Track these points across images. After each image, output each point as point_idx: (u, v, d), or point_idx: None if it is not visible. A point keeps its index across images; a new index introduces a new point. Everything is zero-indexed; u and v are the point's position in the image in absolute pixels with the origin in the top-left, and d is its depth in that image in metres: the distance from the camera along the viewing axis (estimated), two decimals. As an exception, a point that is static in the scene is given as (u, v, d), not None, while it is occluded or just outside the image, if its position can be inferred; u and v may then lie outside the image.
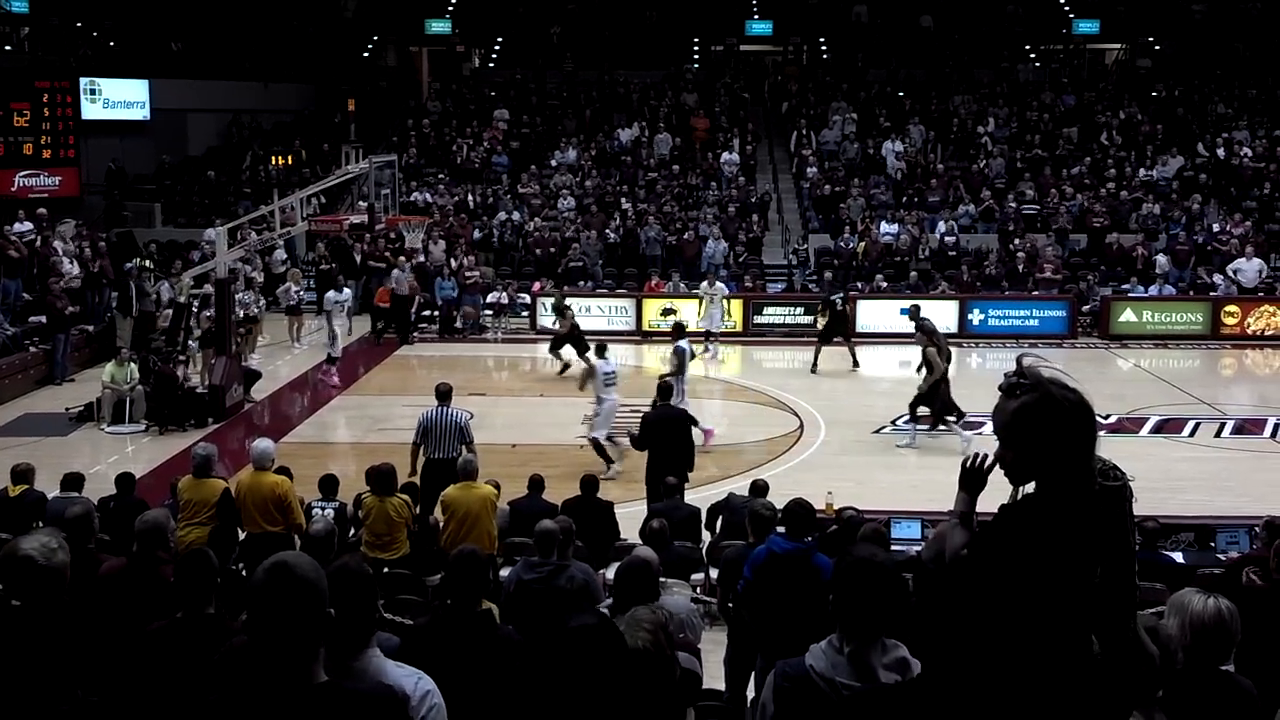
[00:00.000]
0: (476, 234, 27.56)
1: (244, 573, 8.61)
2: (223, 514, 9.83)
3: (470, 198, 28.86)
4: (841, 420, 17.62)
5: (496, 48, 36.34)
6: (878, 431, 16.96)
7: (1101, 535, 2.99)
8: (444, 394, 12.68)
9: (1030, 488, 3.05)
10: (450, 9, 35.44)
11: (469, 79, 35.44)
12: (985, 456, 3.32)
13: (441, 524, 10.20)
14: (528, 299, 25.11)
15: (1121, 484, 3.33)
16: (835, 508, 10.99)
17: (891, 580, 3.76)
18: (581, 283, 25.93)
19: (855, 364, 21.37)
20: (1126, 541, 3.13)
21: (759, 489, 11.62)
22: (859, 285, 25.26)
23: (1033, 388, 3.01)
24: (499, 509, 10.42)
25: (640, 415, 13.38)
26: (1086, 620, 2.96)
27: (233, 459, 14.26)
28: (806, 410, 18.03)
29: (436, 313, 24.60)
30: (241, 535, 9.99)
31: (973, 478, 3.40)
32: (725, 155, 29.89)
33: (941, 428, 15.86)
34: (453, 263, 25.38)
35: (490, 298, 25.04)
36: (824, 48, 35.33)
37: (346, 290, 21.57)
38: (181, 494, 10.14)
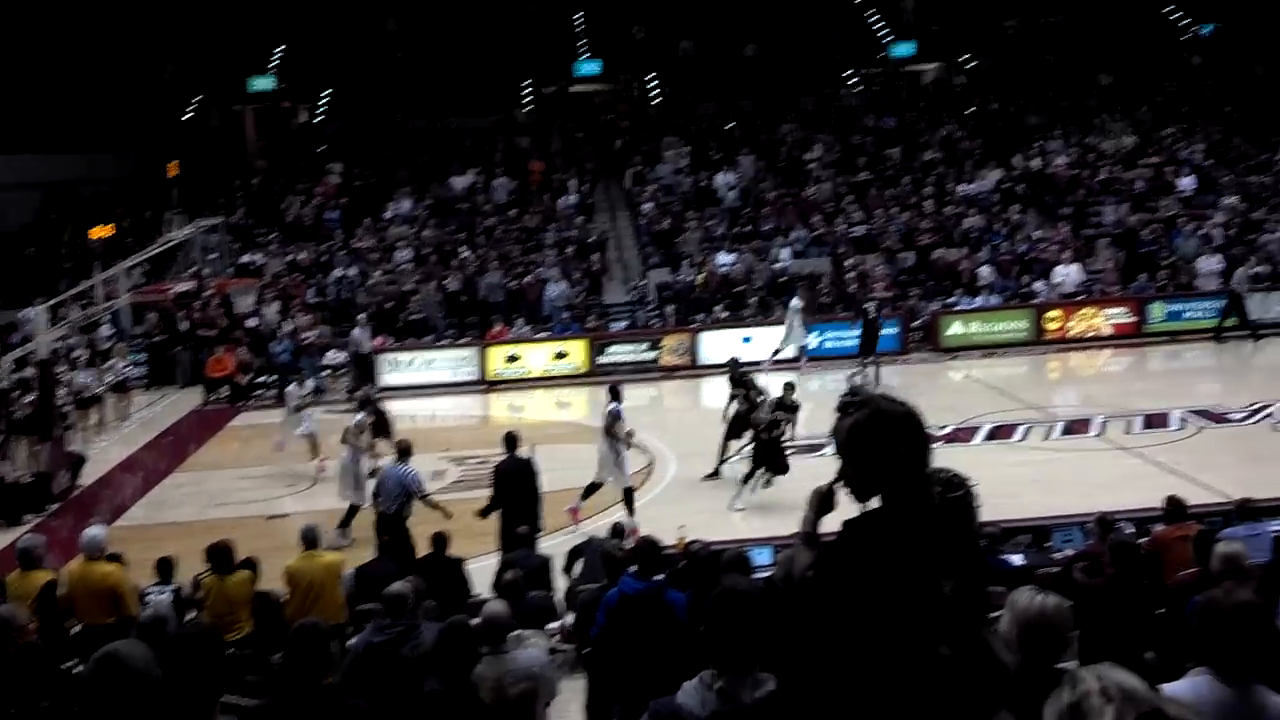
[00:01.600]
0: (312, 293, 27.04)
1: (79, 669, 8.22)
2: (43, 609, 9.37)
3: (303, 256, 28.34)
4: (692, 454, 17.74)
5: (323, 102, 35.88)
6: (725, 461, 17.11)
7: (948, 547, 3.05)
8: (404, 451, 12.94)
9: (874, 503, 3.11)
10: (273, 65, 34.91)
11: (297, 134, 34.91)
12: (832, 481, 3.38)
13: (286, 597, 9.92)
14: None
15: (964, 493, 3.43)
16: (686, 542, 11.05)
17: (758, 609, 3.79)
18: (427, 336, 25.69)
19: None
20: (974, 551, 3.22)
21: (618, 530, 11.65)
22: (699, 317, 25.58)
23: (864, 404, 3.10)
24: (345, 575, 10.19)
25: (493, 466, 13.32)
26: (937, 631, 3.01)
27: (64, 549, 13.64)
28: (656, 446, 18.11)
29: (274, 377, 24.00)
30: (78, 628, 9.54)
31: (820, 499, 3.44)
32: (563, 197, 30.01)
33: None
34: (287, 324, 24.83)
35: (328, 357, 24.55)
36: (653, 84, 35.84)
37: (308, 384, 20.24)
38: (10, 589, 9.64)
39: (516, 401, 23.31)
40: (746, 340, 24.50)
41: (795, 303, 23.06)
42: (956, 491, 3.31)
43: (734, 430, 15.79)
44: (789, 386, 15.47)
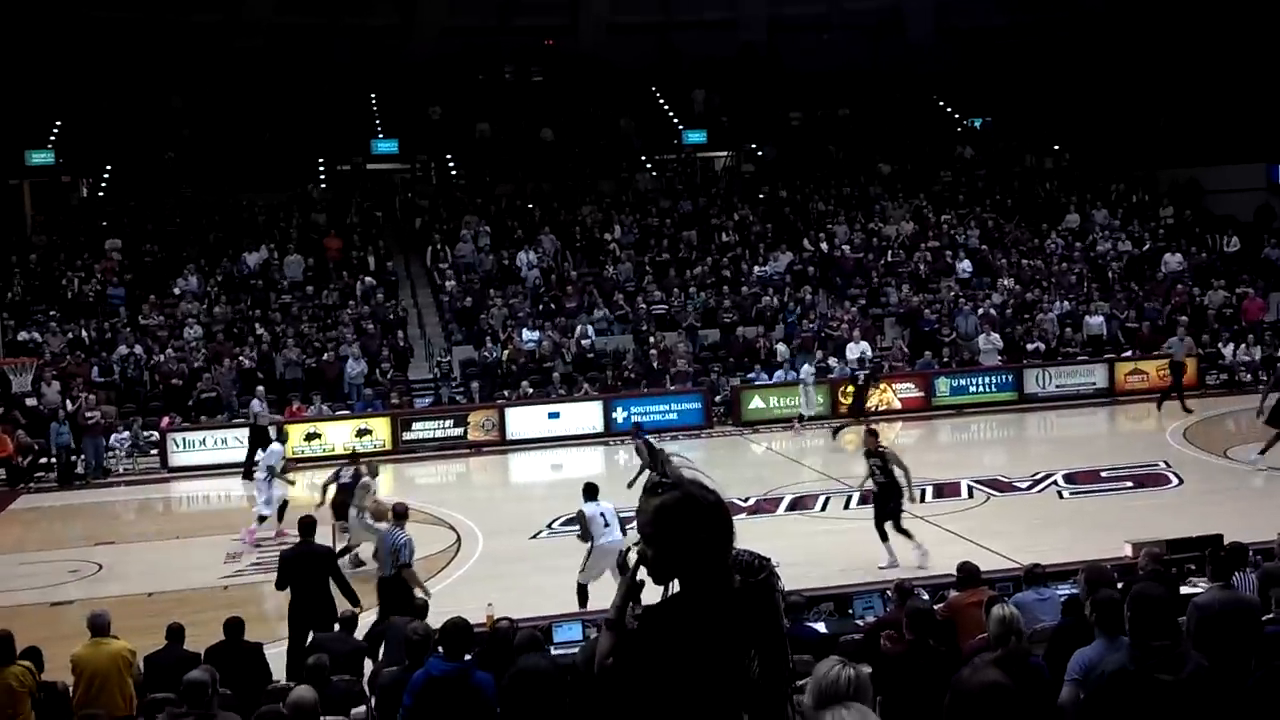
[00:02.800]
0: (96, 372, 25.76)
1: None
2: None
3: (85, 334, 27.01)
4: (500, 529, 17.57)
5: (106, 176, 34.50)
6: (535, 537, 17.00)
7: (750, 630, 3.05)
8: (400, 514, 12.74)
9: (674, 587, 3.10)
10: (53, 140, 33.44)
11: (77, 209, 33.41)
12: (638, 550, 3.35)
13: (71, 687, 9.29)
14: (156, 436, 23.66)
15: (766, 575, 3.45)
16: (493, 620, 10.86)
17: (554, 688, 3.72)
18: (219, 415, 24.75)
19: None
20: (777, 632, 3.22)
21: (418, 610, 11.33)
22: (505, 393, 25.49)
23: (673, 487, 3.09)
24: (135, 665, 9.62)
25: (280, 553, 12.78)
26: (740, 711, 3.01)
27: None
28: (463, 523, 17.85)
29: (53, 459, 22.70)
30: None
31: (629, 586, 3.39)
32: (361, 275, 29.55)
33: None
34: (69, 404, 23.56)
35: (114, 438, 23.38)
36: (451, 164, 35.85)
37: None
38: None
39: (316, 481, 22.59)
40: (553, 416, 24.57)
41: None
42: (759, 575, 3.32)
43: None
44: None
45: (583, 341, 27.34)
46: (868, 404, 23.67)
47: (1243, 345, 26.62)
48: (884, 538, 14.33)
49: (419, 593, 12.10)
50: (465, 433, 24.37)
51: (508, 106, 37.01)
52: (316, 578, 12.01)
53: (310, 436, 23.78)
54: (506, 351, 26.66)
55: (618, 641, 3.23)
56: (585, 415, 24.79)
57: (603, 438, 24.38)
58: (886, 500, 14.41)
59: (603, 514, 13.18)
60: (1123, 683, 4.92)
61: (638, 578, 3.32)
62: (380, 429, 24.11)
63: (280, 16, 35.54)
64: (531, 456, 23.67)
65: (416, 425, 24.43)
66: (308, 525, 12.45)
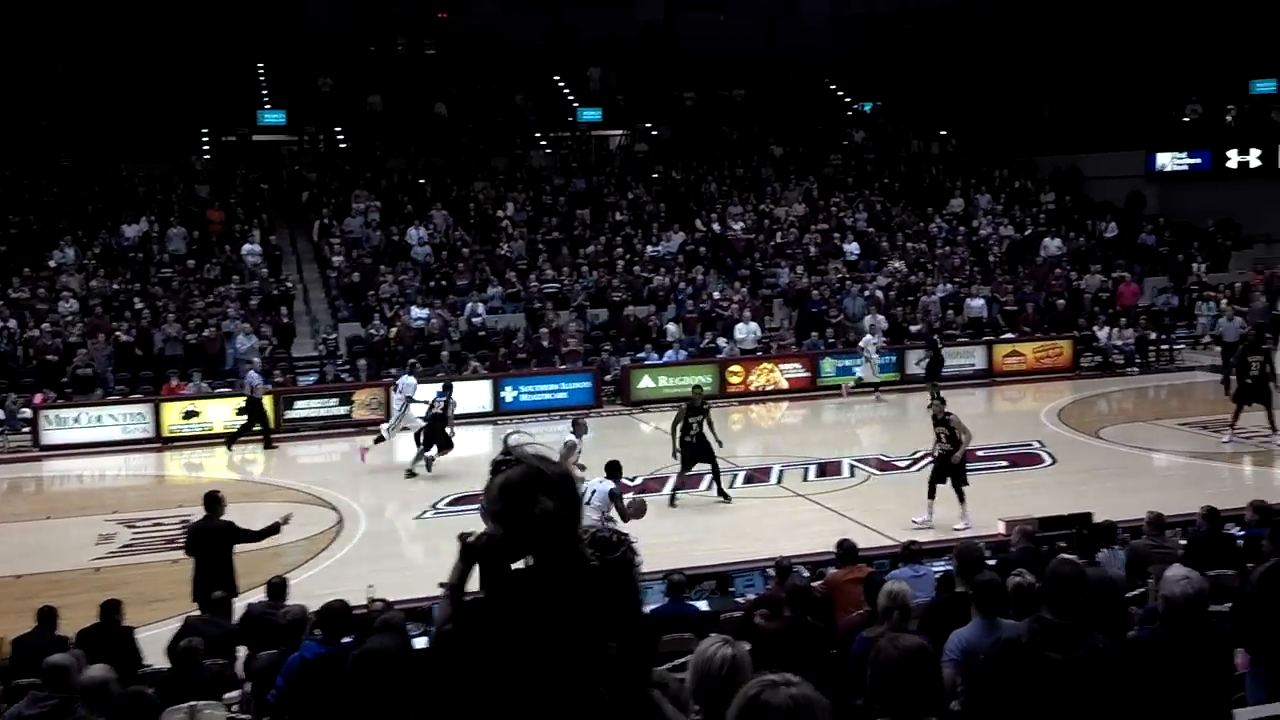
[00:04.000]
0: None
1: None
2: None
3: (-47, 307, 25.99)
4: (383, 509, 17.40)
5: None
6: (419, 517, 16.85)
7: (607, 608, 3.04)
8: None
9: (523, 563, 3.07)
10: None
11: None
12: (473, 532, 3.31)
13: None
14: (29, 413, 22.90)
15: (624, 552, 3.44)
16: (373, 601, 10.75)
17: (395, 667, 3.67)
18: (95, 392, 24.04)
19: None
20: (635, 610, 3.21)
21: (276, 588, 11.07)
22: (392, 371, 25.15)
23: (517, 463, 3.06)
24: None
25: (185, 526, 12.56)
26: (594, 692, 2.99)
27: None
28: (346, 504, 17.62)
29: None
30: None
31: (468, 551, 3.37)
32: (246, 247, 28.90)
33: None
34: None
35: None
36: (340, 136, 35.22)
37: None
38: None
39: (195, 460, 22.16)
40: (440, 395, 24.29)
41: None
42: (615, 552, 3.31)
43: None
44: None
45: (473, 320, 27.12)
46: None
47: (1117, 329, 27.44)
48: (931, 495, 15.05)
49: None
50: (350, 411, 24.02)
51: (400, 79, 36.49)
52: (219, 552, 11.90)
53: (189, 415, 23.24)
54: (394, 329, 26.32)
55: (456, 608, 3.20)
56: (474, 394, 24.61)
57: (491, 417, 24.24)
58: (949, 467, 14.97)
59: (593, 492, 13.32)
60: (1012, 655, 5.03)
61: (481, 549, 3.27)
62: (268, 404, 23.59)
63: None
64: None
65: (300, 404, 23.99)
66: (212, 499, 12.27)
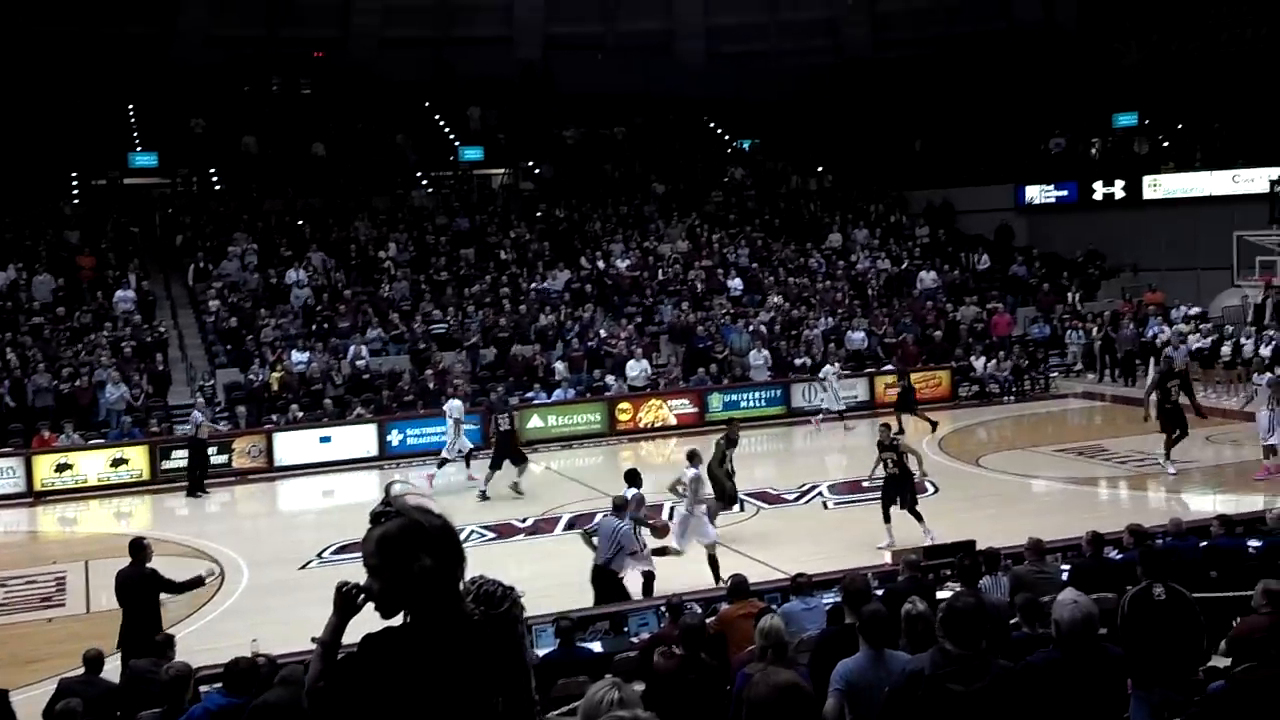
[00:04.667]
0: None
1: None
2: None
3: None
4: (266, 560, 16.95)
5: None
6: (304, 567, 16.47)
7: (491, 664, 2.98)
8: (619, 506, 13.33)
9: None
10: None
11: None
12: (355, 583, 3.22)
13: None
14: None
15: (509, 607, 3.38)
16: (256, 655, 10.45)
17: None
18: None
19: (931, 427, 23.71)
20: (520, 665, 3.15)
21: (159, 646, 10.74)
22: (273, 418, 24.66)
23: (397, 514, 2.99)
24: None
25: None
26: None
27: None
28: (227, 555, 17.14)
29: None
30: None
31: (344, 603, 3.24)
32: (119, 293, 28.08)
33: None
34: None
35: None
36: (215, 178, 34.53)
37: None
38: None
39: (69, 514, 21.39)
40: (325, 440, 23.91)
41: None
42: (500, 607, 3.27)
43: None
44: None
45: (356, 363, 26.71)
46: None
47: (994, 360, 28.18)
48: (886, 519, 15.42)
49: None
50: (230, 460, 23.43)
51: (275, 119, 35.95)
52: (146, 600, 11.64)
53: (61, 468, 22.44)
54: (275, 374, 25.79)
55: (327, 665, 3.11)
56: (359, 439, 24.24)
57: (377, 461, 23.89)
58: (897, 489, 15.43)
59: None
60: (917, 687, 5.07)
61: (358, 604, 3.18)
62: (138, 458, 22.93)
63: (33, 23, 33.57)
64: (301, 483, 22.99)
65: (177, 454, 23.29)
66: (137, 546, 11.94)
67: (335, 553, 16.62)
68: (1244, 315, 27.95)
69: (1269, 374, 20.78)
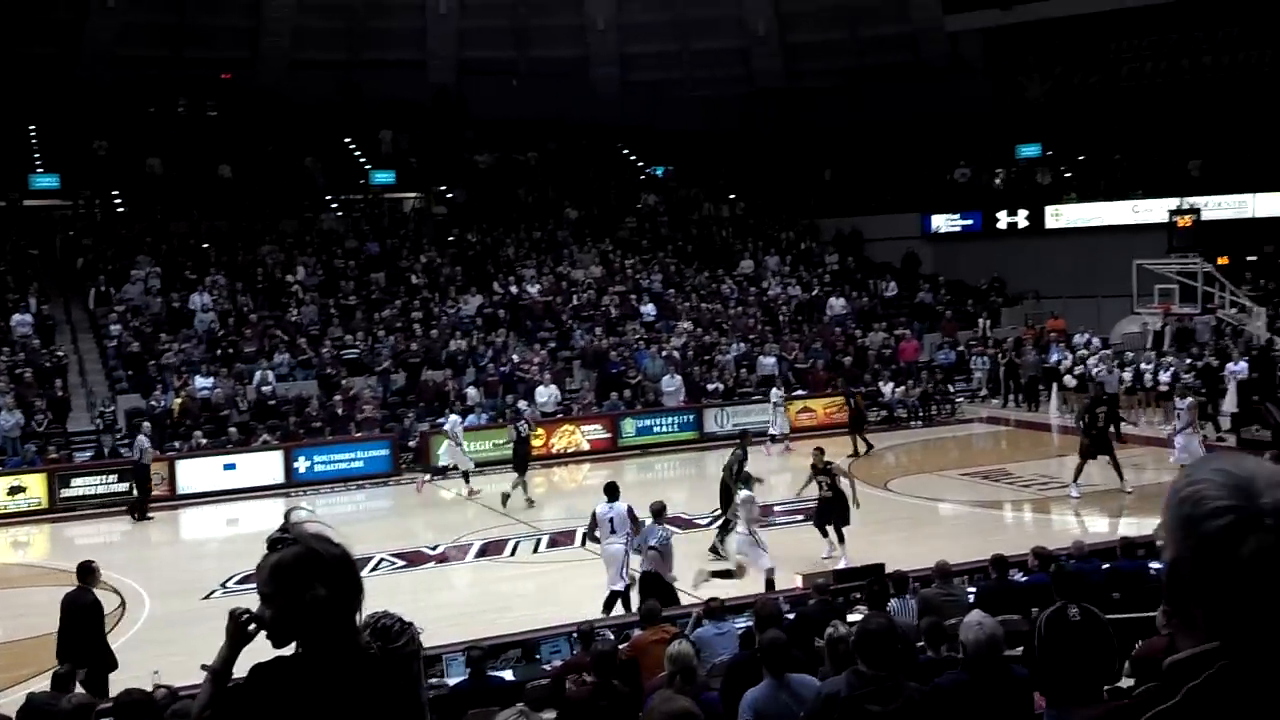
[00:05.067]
0: None
1: None
2: None
3: None
4: (169, 591, 16.52)
5: None
6: (208, 597, 16.08)
7: (384, 700, 2.91)
8: (657, 511, 13.50)
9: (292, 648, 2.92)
10: None
11: None
12: (247, 610, 3.14)
13: None
14: None
15: (407, 642, 3.31)
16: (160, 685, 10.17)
17: None
18: None
19: (866, 449, 24.42)
20: (415, 701, 3.09)
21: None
22: (176, 445, 24.13)
23: (294, 542, 2.92)
24: None
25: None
26: None
27: None
28: (128, 586, 16.68)
29: None
30: None
31: (236, 631, 3.16)
32: (16, 317, 27.30)
33: None
34: None
35: None
36: (118, 200, 33.78)
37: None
38: None
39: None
40: (229, 468, 23.45)
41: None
42: (397, 641, 3.20)
43: None
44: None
45: (262, 388, 26.25)
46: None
47: (902, 387, 28.58)
48: (824, 534, 16.11)
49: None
50: (131, 488, 22.83)
51: (181, 141, 35.31)
52: (92, 624, 11.55)
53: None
54: (178, 400, 25.23)
55: (216, 693, 3.03)
56: (264, 466, 23.80)
57: (284, 489, 23.47)
58: (832, 510, 15.96)
59: (611, 519, 13.78)
60: (833, 710, 5.09)
61: (249, 632, 3.10)
62: (35, 486, 22.27)
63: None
64: (205, 511, 22.50)
65: (76, 481, 22.68)
66: (85, 569, 11.77)
67: (239, 582, 16.22)
68: (1144, 342, 28.73)
69: (1189, 398, 21.40)
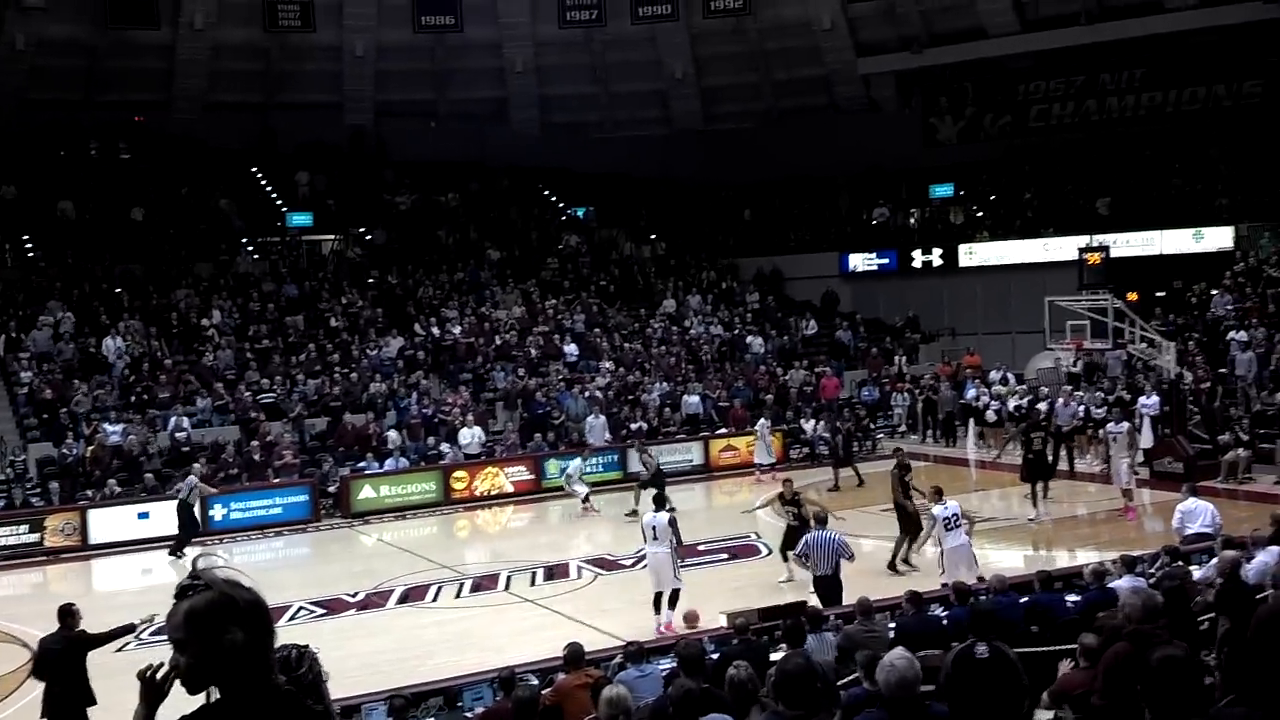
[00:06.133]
0: None
1: None
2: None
3: None
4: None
5: None
6: (121, 650, 15.64)
7: None
8: (821, 519, 15.03)
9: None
10: None
11: None
12: (161, 665, 3.10)
13: None
14: None
15: (308, 668, 3.29)
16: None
17: None
18: None
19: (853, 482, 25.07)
20: None
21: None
22: (89, 493, 23.55)
23: (205, 588, 2.90)
24: None
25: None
26: None
27: None
28: (36, 638, 16.14)
29: None
30: None
31: (149, 690, 3.12)
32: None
33: None
34: None
35: None
36: (28, 245, 33.06)
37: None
38: None
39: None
40: (143, 516, 22.93)
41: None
42: (298, 669, 3.19)
43: None
44: None
45: (177, 434, 25.75)
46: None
47: (822, 422, 28.83)
48: (785, 559, 16.83)
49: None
50: (42, 538, 22.25)
51: (93, 185, 34.69)
52: (74, 666, 11.42)
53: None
54: (91, 448, 24.66)
55: None
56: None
57: (200, 538, 22.98)
58: (797, 537, 16.24)
59: (654, 526, 15.05)
60: None
61: (167, 684, 3.07)
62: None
63: None
64: (118, 562, 21.96)
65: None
66: (65, 612, 11.67)
67: (154, 634, 15.80)
68: (1058, 377, 29.30)
69: (1124, 423, 21.89)
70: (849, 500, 24.40)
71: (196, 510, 22.01)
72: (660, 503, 15.80)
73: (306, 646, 3.27)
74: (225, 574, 2.91)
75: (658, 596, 14.92)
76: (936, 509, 15.84)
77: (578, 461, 24.54)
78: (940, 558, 15.47)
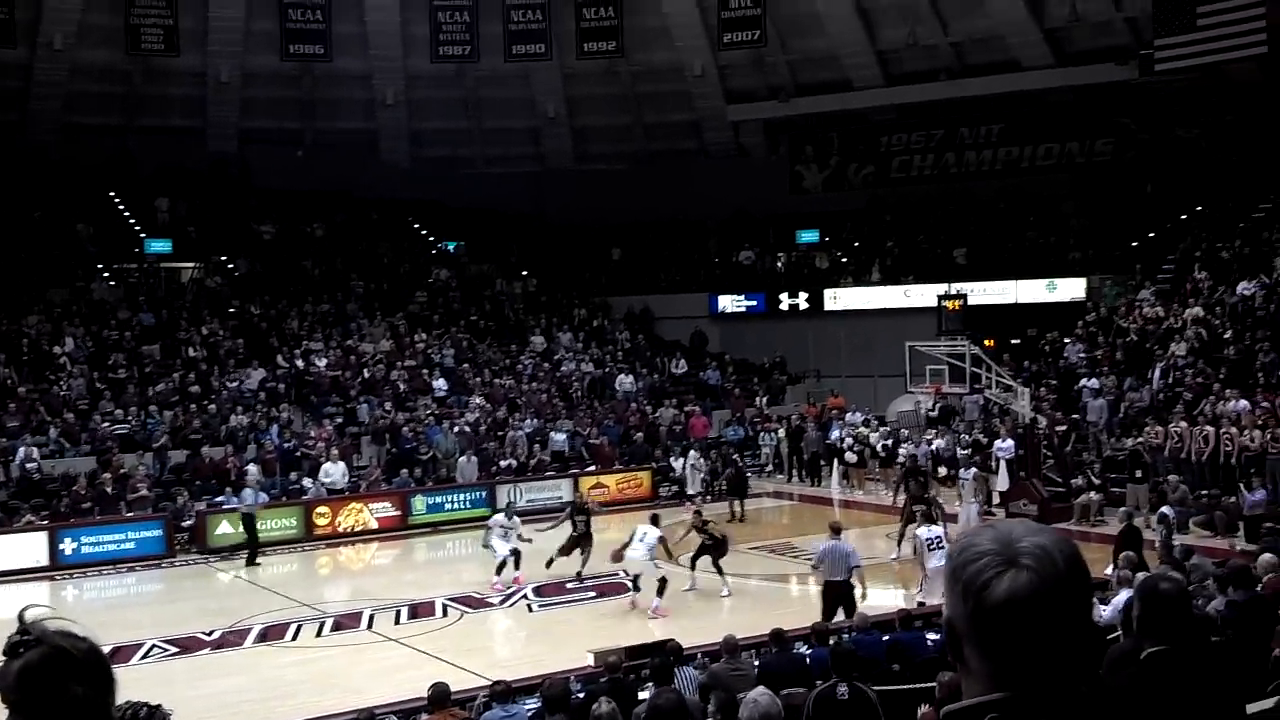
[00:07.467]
0: None
1: None
2: None
3: None
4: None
5: None
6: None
7: None
8: (836, 529, 15.99)
9: None
10: None
11: None
12: None
13: None
14: None
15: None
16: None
17: None
18: None
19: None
20: None
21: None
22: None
23: (37, 643, 2.75)
24: None
25: None
26: None
27: None
28: None
29: None
30: None
31: None
32: None
33: None
34: None
35: None
36: None
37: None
38: None
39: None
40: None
41: None
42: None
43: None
44: None
45: (26, 465, 24.72)
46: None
47: (710, 454, 29.10)
48: (720, 572, 18.50)
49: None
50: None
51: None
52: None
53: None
54: (-70, 478, 23.51)
55: None
56: (28, 548, 22.33)
57: (48, 572, 22.07)
58: (719, 551, 18.54)
59: (644, 535, 17.46)
60: None
61: None
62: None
63: None
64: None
65: None
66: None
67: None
68: (918, 420, 30.09)
69: (973, 469, 22.55)
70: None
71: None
72: (654, 521, 18.50)
73: (159, 705, 3.15)
74: (57, 625, 2.76)
75: (636, 578, 17.47)
76: (921, 531, 16.41)
77: (499, 516, 20.75)
78: (922, 580, 16.16)
